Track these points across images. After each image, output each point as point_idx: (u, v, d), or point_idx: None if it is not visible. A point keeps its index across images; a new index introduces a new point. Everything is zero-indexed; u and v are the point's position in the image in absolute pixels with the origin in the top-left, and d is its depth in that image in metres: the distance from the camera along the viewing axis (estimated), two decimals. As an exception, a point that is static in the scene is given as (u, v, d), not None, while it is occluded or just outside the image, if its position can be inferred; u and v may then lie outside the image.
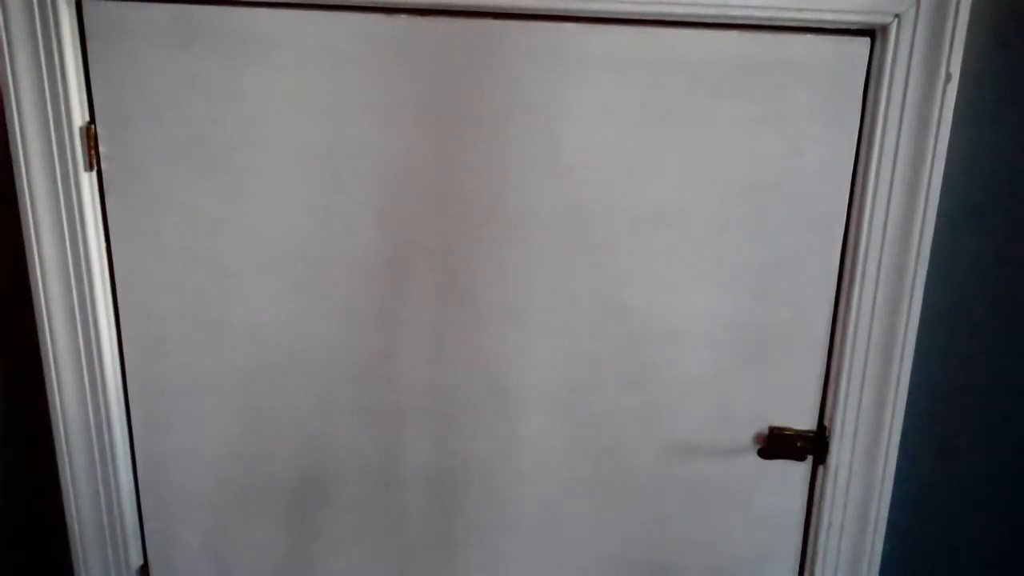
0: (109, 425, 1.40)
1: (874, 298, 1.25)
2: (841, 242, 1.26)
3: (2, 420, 1.47)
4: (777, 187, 1.24)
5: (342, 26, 1.21)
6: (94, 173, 1.30)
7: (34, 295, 1.33)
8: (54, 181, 1.28)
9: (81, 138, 1.27)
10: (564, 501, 1.42)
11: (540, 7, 1.17)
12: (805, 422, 1.35)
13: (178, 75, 1.25)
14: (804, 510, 1.39)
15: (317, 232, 1.31)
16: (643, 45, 1.19)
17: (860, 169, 1.22)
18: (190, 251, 1.33)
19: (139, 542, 1.50)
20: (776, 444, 1.34)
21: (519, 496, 1.43)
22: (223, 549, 1.50)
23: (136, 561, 1.50)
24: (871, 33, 1.17)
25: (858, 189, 1.23)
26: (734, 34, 1.18)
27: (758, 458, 1.37)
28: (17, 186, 1.28)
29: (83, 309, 1.34)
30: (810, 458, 1.36)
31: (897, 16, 1.13)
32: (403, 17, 1.20)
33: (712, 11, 1.15)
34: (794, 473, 1.38)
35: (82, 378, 1.38)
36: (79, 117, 1.26)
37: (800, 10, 1.13)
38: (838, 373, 1.30)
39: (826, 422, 1.34)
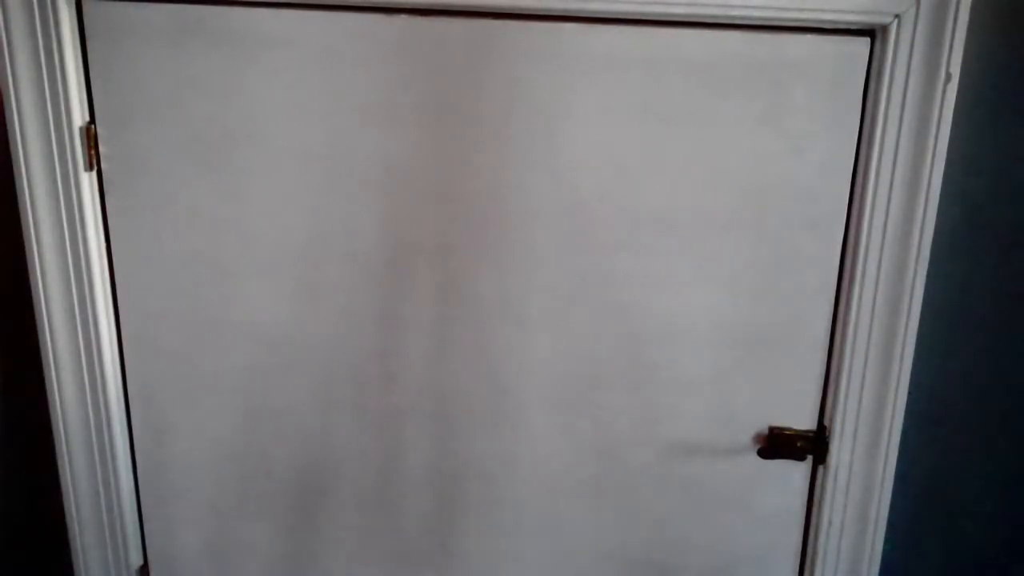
0: (109, 425, 1.40)
1: (874, 298, 1.25)
2: (841, 242, 1.26)
3: (2, 420, 1.47)
4: (777, 187, 1.24)
5: (342, 26, 1.21)
6: (94, 173, 1.30)
7: (34, 295, 1.33)
8: (54, 181, 1.28)
9: (81, 138, 1.27)
10: (564, 500, 1.42)
11: (540, 7, 1.17)
12: (805, 422, 1.35)
13: (178, 75, 1.25)
14: (804, 510, 1.39)
15: (317, 232, 1.31)
16: (643, 45, 1.19)
17: (860, 169, 1.22)
18: (190, 251, 1.33)
19: (139, 542, 1.50)
20: (776, 444, 1.34)
21: (519, 496, 1.43)
22: (223, 549, 1.50)
23: (136, 561, 1.50)
24: (871, 33, 1.17)
25: (858, 189, 1.23)
26: (734, 34, 1.18)
27: (758, 458, 1.37)
28: (17, 186, 1.28)
29: (83, 309, 1.34)
30: (810, 458, 1.36)
31: (897, 16, 1.13)
32: (403, 17, 1.20)
33: (712, 11, 1.15)
34: (794, 473, 1.38)
35: (82, 378, 1.38)
36: (79, 117, 1.26)
37: (800, 10, 1.14)
38: (838, 373, 1.30)
39: (826, 422, 1.34)
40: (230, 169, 1.29)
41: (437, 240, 1.30)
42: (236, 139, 1.27)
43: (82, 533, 1.46)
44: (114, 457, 1.42)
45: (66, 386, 1.38)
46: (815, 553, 1.39)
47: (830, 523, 1.36)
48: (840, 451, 1.33)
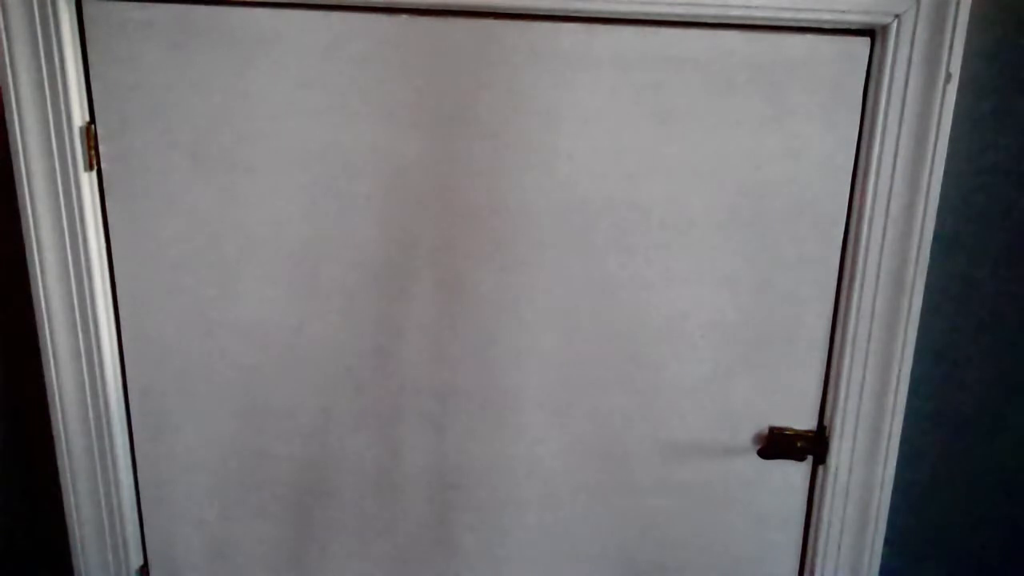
0: (109, 425, 1.40)
1: (874, 298, 1.25)
2: (841, 242, 1.26)
3: (2, 420, 1.47)
4: (777, 187, 1.24)
5: (342, 26, 1.21)
6: (94, 173, 1.30)
7: (34, 295, 1.33)
8: (54, 181, 1.28)
9: (81, 138, 1.27)
10: (564, 501, 1.42)
11: (540, 7, 1.17)
12: (805, 422, 1.35)
13: (178, 75, 1.25)
14: (804, 510, 1.40)
15: (317, 231, 1.31)
16: (643, 45, 1.19)
17: (860, 169, 1.22)
18: (190, 250, 1.33)
19: (139, 542, 1.50)
20: (776, 444, 1.34)
21: (519, 496, 1.43)
22: (223, 549, 1.50)
23: (136, 561, 1.50)
24: (871, 33, 1.17)
25: (858, 189, 1.23)
26: (734, 34, 1.18)
27: (758, 458, 1.37)
28: (17, 186, 1.28)
29: (83, 309, 1.34)
30: (810, 458, 1.36)
31: (897, 16, 1.13)
32: (403, 17, 1.20)
33: (712, 11, 1.15)
34: (794, 473, 1.38)
35: (82, 378, 1.38)
36: (79, 117, 1.26)
37: (800, 10, 1.14)
38: (838, 373, 1.30)
39: (826, 422, 1.34)
40: (230, 169, 1.29)
41: (437, 240, 1.30)
42: (236, 139, 1.27)
43: (82, 533, 1.46)
44: (114, 457, 1.42)
45: (66, 386, 1.38)
46: (815, 553, 1.39)
47: (830, 523, 1.36)
48: (840, 451, 1.33)
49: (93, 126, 1.28)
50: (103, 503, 1.45)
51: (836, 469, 1.34)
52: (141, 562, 1.51)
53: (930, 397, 1.32)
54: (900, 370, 1.28)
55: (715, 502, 1.40)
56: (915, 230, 1.22)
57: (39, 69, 1.23)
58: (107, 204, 1.32)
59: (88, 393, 1.38)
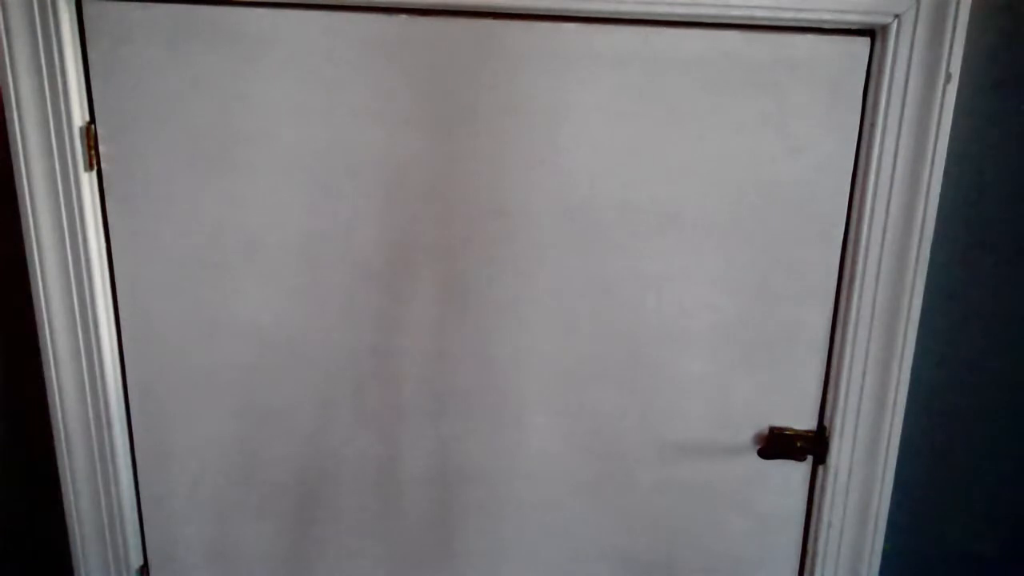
0: (109, 424, 1.40)
1: (874, 298, 1.25)
2: (841, 242, 1.26)
3: (2, 420, 1.47)
4: (777, 187, 1.24)
5: (342, 26, 1.21)
6: (94, 173, 1.30)
7: (34, 295, 1.33)
8: (54, 181, 1.28)
9: (81, 138, 1.27)
10: (564, 501, 1.42)
11: (540, 7, 1.17)
12: (805, 422, 1.35)
13: (178, 75, 1.25)
14: (804, 510, 1.40)
15: (317, 231, 1.31)
16: (643, 45, 1.19)
17: (860, 169, 1.22)
18: (190, 250, 1.33)
19: (139, 542, 1.50)
20: (776, 444, 1.34)
21: (519, 496, 1.43)
22: (223, 549, 1.50)
23: (136, 561, 1.50)
24: (871, 33, 1.17)
25: (858, 189, 1.23)
26: (734, 34, 1.18)
27: (758, 458, 1.37)
28: (17, 186, 1.28)
29: (83, 309, 1.34)
30: (810, 458, 1.36)
31: (897, 16, 1.13)
32: (403, 17, 1.20)
33: (712, 11, 1.15)
34: (794, 473, 1.38)
35: (82, 378, 1.38)
36: (79, 117, 1.26)
37: (800, 10, 1.13)
38: (838, 373, 1.30)
39: (826, 422, 1.34)
40: (230, 169, 1.29)
41: (437, 240, 1.30)
42: (236, 139, 1.27)
43: (82, 533, 1.46)
44: (114, 457, 1.42)
45: (66, 386, 1.38)
46: (815, 553, 1.39)
47: (830, 523, 1.36)
48: (840, 451, 1.33)
49: (93, 126, 1.28)
50: (103, 503, 1.45)
51: (836, 469, 1.34)
52: (141, 562, 1.51)
53: (930, 397, 1.32)
54: (900, 370, 1.28)
55: (715, 502, 1.40)
56: (915, 230, 1.22)
57: (39, 69, 1.23)
58: (107, 204, 1.32)
59: (88, 393, 1.38)
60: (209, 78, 1.24)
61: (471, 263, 1.31)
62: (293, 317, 1.35)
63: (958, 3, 1.12)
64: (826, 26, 1.16)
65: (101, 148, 1.29)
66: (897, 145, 1.19)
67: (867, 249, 1.23)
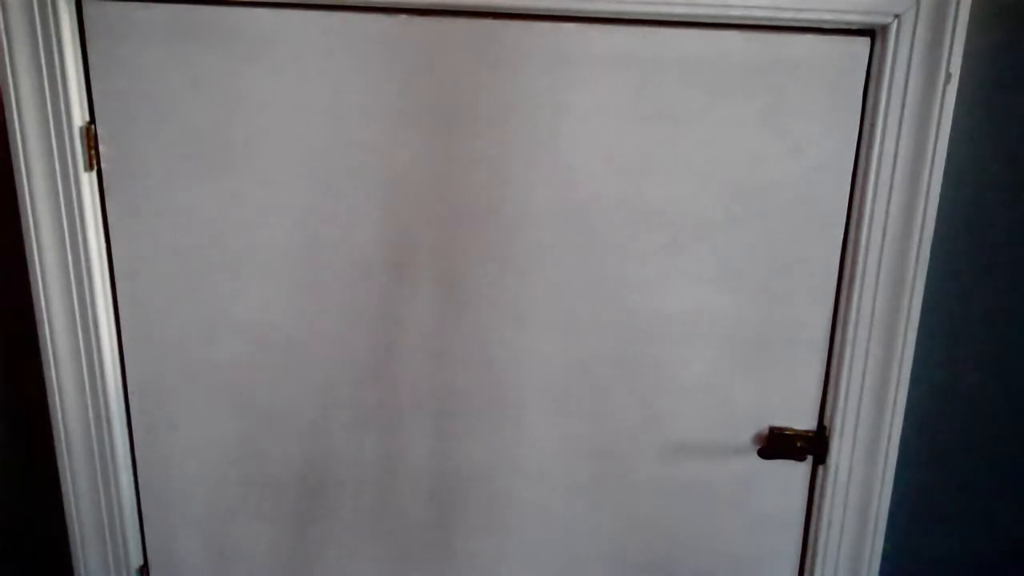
0: (109, 425, 1.40)
1: (874, 298, 1.25)
2: (841, 242, 1.26)
3: (2, 420, 1.47)
4: (777, 187, 1.24)
5: (342, 26, 1.21)
6: (94, 173, 1.30)
7: (34, 295, 1.33)
8: (54, 181, 1.28)
9: (81, 138, 1.27)
10: (564, 501, 1.42)
11: (540, 7, 1.17)
12: (805, 422, 1.35)
13: (178, 75, 1.25)
14: (804, 510, 1.39)
15: (317, 231, 1.31)
16: (643, 45, 1.19)
17: (860, 169, 1.22)
18: (190, 250, 1.33)
19: (139, 542, 1.50)
20: (776, 444, 1.34)
21: (519, 496, 1.43)
22: (223, 549, 1.50)
23: (136, 561, 1.50)
24: (871, 33, 1.17)
25: (858, 189, 1.23)
26: (734, 34, 1.18)
27: (758, 458, 1.37)
28: (17, 186, 1.28)
29: (83, 309, 1.34)
30: (810, 458, 1.36)
31: (897, 16, 1.13)
32: (403, 17, 1.20)
33: (712, 11, 1.15)
34: (794, 473, 1.38)
35: (82, 378, 1.38)
36: (79, 117, 1.26)
37: (800, 10, 1.13)
38: (838, 373, 1.30)
39: (826, 422, 1.34)
40: (230, 169, 1.29)
41: (437, 240, 1.30)
42: (236, 139, 1.27)
43: (82, 533, 1.46)
44: (114, 457, 1.42)
45: (66, 386, 1.38)
46: (815, 553, 1.39)
47: (830, 523, 1.36)
48: (840, 451, 1.33)
49: (93, 126, 1.28)
50: (103, 503, 1.45)
51: (836, 469, 1.34)
52: (141, 562, 1.51)
53: (930, 397, 1.32)
54: (900, 370, 1.28)
55: (715, 502, 1.40)
56: (915, 230, 1.22)
57: (39, 69, 1.23)
58: (107, 204, 1.32)
59: (88, 393, 1.38)
60: (209, 78, 1.24)
61: (471, 263, 1.31)
62: (293, 317, 1.35)
63: (958, 3, 1.12)
64: (826, 26, 1.16)
65: (101, 148, 1.29)
66: (897, 145, 1.19)
67: (867, 249, 1.23)
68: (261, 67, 1.23)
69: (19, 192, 1.28)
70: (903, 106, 1.17)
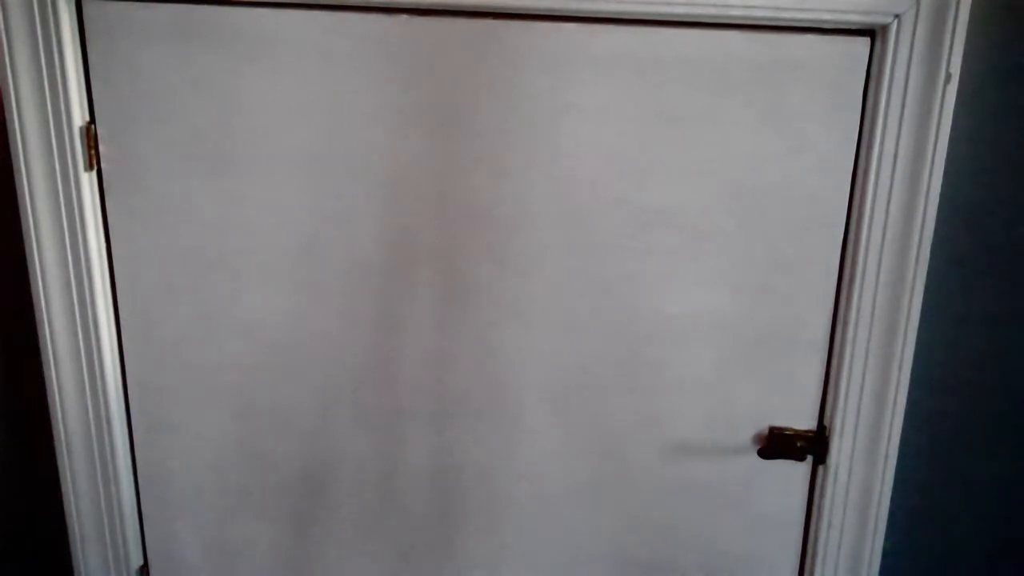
0: (109, 425, 1.40)
1: (874, 298, 1.25)
2: (841, 242, 1.26)
3: (2, 420, 1.47)
4: (777, 187, 1.24)
5: (342, 26, 1.21)
6: (94, 173, 1.30)
7: (34, 295, 1.33)
8: (54, 181, 1.28)
9: (81, 138, 1.27)
10: (564, 501, 1.42)
11: (540, 7, 1.17)
12: (805, 422, 1.35)
13: (178, 75, 1.25)
14: (804, 510, 1.39)
15: (317, 231, 1.31)
16: (643, 45, 1.19)
17: (860, 169, 1.22)
18: (190, 251, 1.33)
19: (139, 542, 1.50)
20: (776, 444, 1.34)
21: (519, 495, 1.43)
22: (223, 549, 1.50)
23: (136, 561, 1.50)
24: (871, 33, 1.17)
25: (858, 189, 1.23)
26: (734, 34, 1.18)
27: (758, 458, 1.37)
28: (17, 186, 1.28)
29: (83, 309, 1.34)
30: (810, 458, 1.36)
31: (897, 16, 1.13)
32: (403, 17, 1.20)
33: (712, 11, 1.15)
34: (794, 473, 1.38)
35: (82, 378, 1.38)
36: (79, 117, 1.26)
37: (800, 10, 1.13)
38: (838, 373, 1.30)
39: (826, 422, 1.34)
40: (230, 169, 1.29)
41: (437, 240, 1.30)
42: (236, 139, 1.27)
43: (82, 533, 1.46)
44: (114, 457, 1.42)
45: (66, 386, 1.38)
46: (815, 553, 1.39)
47: (830, 523, 1.36)
48: (840, 451, 1.33)
49: (93, 126, 1.28)
50: (103, 503, 1.45)
51: (836, 469, 1.34)
52: (141, 562, 1.51)
53: (930, 397, 1.32)
54: (900, 370, 1.28)
55: (715, 502, 1.40)
56: (915, 230, 1.22)
57: (39, 69, 1.23)
58: (107, 204, 1.32)
59: (88, 393, 1.38)
60: (209, 78, 1.24)
61: (471, 263, 1.31)
62: (293, 317, 1.35)
63: (958, 3, 1.12)
64: (826, 26, 1.16)
65: (101, 148, 1.29)
66: (897, 145, 1.19)
67: (867, 249, 1.23)
68: (261, 67, 1.23)
69: (19, 192, 1.28)
70: (903, 106, 1.17)
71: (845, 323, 1.28)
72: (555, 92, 1.22)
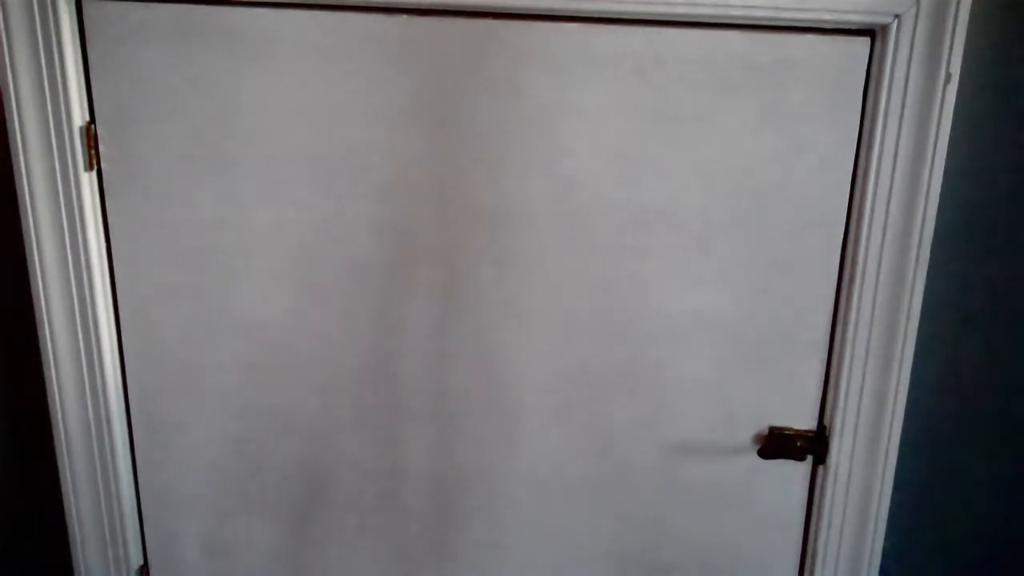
0: (109, 425, 1.40)
1: (874, 298, 1.25)
2: (841, 242, 1.26)
3: (2, 420, 1.47)
4: (777, 187, 1.24)
5: (342, 26, 1.21)
6: (94, 173, 1.30)
7: (34, 295, 1.33)
8: (54, 181, 1.28)
9: (81, 138, 1.27)
10: (564, 500, 1.42)
11: (540, 7, 1.17)
12: (805, 422, 1.35)
13: (178, 75, 1.25)
14: (804, 510, 1.40)
15: (317, 231, 1.31)
16: (644, 45, 1.19)
17: (860, 169, 1.22)
18: (190, 251, 1.33)
19: (139, 542, 1.50)
20: (776, 444, 1.34)
21: (519, 495, 1.43)
22: (223, 549, 1.50)
23: (136, 561, 1.50)
24: (871, 33, 1.17)
25: (858, 189, 1.23)
26: (734, 34, 1.18)
27: (758, 458, 1.37)
28: (17, 186, 1.28)
29: (83, 309, 1.34)
30: (810, 458, 1.36)
31: (897, 16, 1.13)
32: (403, 17, 1.20)
33: (712, 11, 1.15)
34: (794, 473, 1.38)
35: (82, 378, 1.38)
36: (79, 117, 1.26)
37: (800, 10, 1.14)
38: (838, 373, 1.30)
39: (826, 422, 1.34)
40: (230, 169, 1.29)
41: (437, 240, 1.30)
42: (236, 139, 1.27)
43: (82, 533, 1.46)
44: (114, 457, 1.42)
45: (66, 386, 1.38)
46: (815, 553, 1.39)
47: (830, 523, 1.36)
48: (840, 451, 1.33)
49: (93, 126, 1.28)
50: (103, 503, 1.45)
51: (836, 469, 1.34)
52: (141, 562, 1.51)
53: (930, 397, 1.32)
54: (900, 370, 1.28)
55: (715, 502, 1.40)
56: (915, 230, 1.22)
57: (39, 69, 1.23)
58: (107, 204, 1.32)
59: (88, 393, 1.38)
60: (209, 78, 1.24)
61: (471, 263, 1.31)
62: (293, 317, 1.35)
63: (958, 3, 1.12)
64: (826, 26, 1.16)
65: (101, 148, 1.29)
66: (897, 145, 1.19)
67: (867, 249, 1.23)
68: (261, 67, 1.23)
69: (19, 192, 1.28)
70: (903, 106, 1.17)
71: (845, 323, 1.28)
72: (555, 92, 1.22)
